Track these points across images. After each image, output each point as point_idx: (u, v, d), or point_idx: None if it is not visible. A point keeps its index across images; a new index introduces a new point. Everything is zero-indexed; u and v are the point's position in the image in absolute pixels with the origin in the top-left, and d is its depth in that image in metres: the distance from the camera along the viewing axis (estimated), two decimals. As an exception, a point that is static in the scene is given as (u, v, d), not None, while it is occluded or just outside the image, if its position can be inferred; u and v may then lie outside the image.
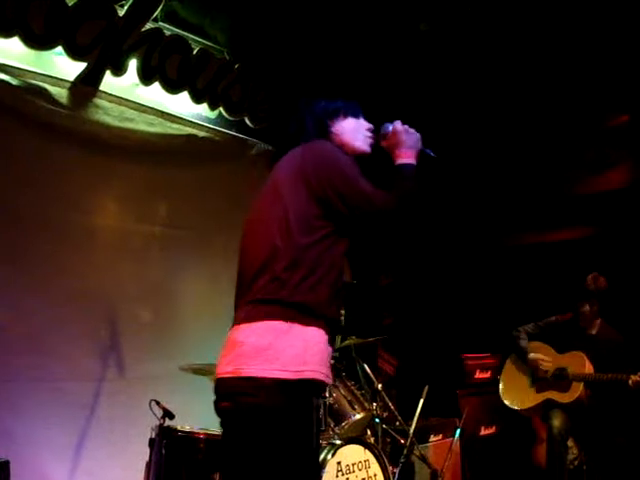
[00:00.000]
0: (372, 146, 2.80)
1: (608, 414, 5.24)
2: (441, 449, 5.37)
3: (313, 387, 2.37)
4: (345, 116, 2.79)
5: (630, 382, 4.99)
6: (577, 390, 5.25)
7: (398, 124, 2.72)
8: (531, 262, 6.73)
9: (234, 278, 5.79)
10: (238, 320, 2.41)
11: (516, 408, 5.58)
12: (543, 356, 5.47)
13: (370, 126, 2.83)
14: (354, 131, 2.78)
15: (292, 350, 2.31)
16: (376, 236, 2.59)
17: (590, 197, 6.49)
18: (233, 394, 2.33)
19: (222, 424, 2.45)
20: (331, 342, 2.48)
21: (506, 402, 5.65)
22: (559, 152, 6.65)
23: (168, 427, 4.12)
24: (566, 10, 5.46)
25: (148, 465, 4.13)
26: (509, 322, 6.27)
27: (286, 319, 2.33)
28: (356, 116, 2.82)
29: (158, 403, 4.18)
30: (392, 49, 5.92)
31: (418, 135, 2.71)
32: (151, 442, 4.15)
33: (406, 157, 2.63)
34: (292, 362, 2.30)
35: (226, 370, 2.36)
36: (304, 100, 2.86)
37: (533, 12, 5.54)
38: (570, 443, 5.31)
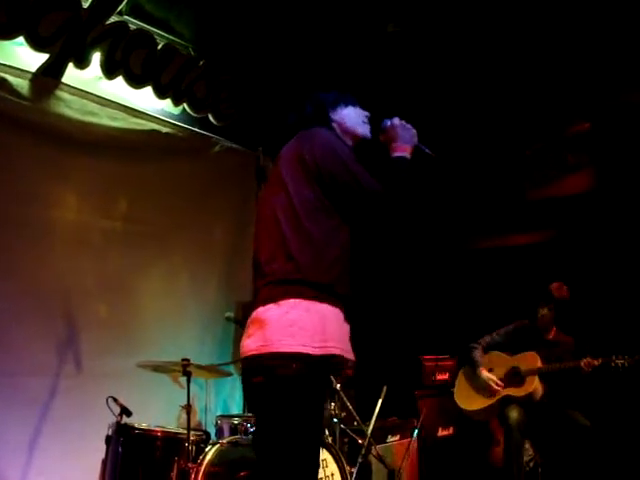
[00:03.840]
0: (372, 132, 2.92)
1: (563, 413, 5.30)
2: (399, 449, 5.39)
3: (333, 362, 2.50)
4: (346, 105, 2.92)
5: (582, 364, 5.14)
6: (532, 383, 5.35)
7: (396, 119, 2.85)
8: (491, 265, 6.78)
9: (194, 275, 5.81)
10: (259, 301, 2.52)
11: (472, 409, 5.61)
12: (495, 379, 5.50)
13: (368, 114, 2.95)
14: (355, 118, 2.91)
15: (313, 327, 2.43)
16: (364, 224, 2.68)
17: (551, 201, 6.56)
18: (264, 368, 2.43)
19: (252, 399, 2.60)
20: (348, 319, 2.61)
21: (461, 406, 5.68)
22: (521, 157, 6.71)
23: (125, 424, 4.11)
24: (530, 19, 5.51)
25: (104, 463, 4.10)
26: (468, 325, 6.33)
27: (304, 297, 2.46)
28: (354, 105, 2.95)
29: (115, 400, 4.16)
30: (359, 49, 5.92)
31: (414, 131, 2.84)
32: (108, 439, 4.12)
33: (401, 151, 2.75)
34: (314, 338, 2.43)
35: (253, 347, 2.46)
36: (303, 92, 3.00)
37: (496, 20, 5.59)
38: (526, 445, 5.37)
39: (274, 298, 2.47)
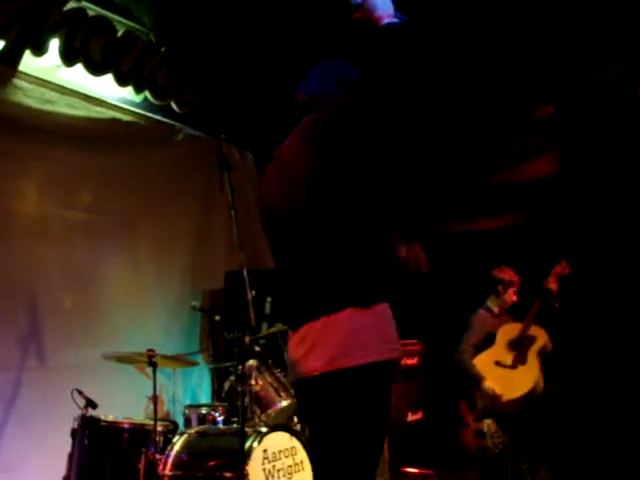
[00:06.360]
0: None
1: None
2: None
3: (396, 364, 2.42)
4: None
5: (551, 286, 5.29)
6: (539, 331, 5.37)
7: None
8: (459, 250, 6.80)
9: (159, 264, 5.76)
10: (310, 316, 2.37)
11: (526, 391, 5.26)
12: (496, 386, 5.24)
13: None
14: None
15: (376, 333, 2.32)
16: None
17: (517, 185, 6.58)
18: (335, 388, 2.31)
19: (318, 417, 2.43)
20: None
21: (509, 397, 5.25)
22: (487, 141, 6.72)
23: (91, 417, 4.08)
24: (493, 3, 5.51)
25: (70, 456, 4.07)
26: (436, 309, 6.34)
27: (359, 305, 2.31)
28: None
29: (81, 392, 4.12)
30: (322, 35, 5.89)
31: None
32: (73, 433, 4.09)
33: (387, 18, 2.43)
34: (380, 343, 2.32)
35: (316, 366, 2.32)
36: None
37: (460, 4, 5.59)
38: (494, 427, 5.39)
39: (326, 310, 2.31)
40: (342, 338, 2.28)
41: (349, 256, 2.35)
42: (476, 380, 5.33)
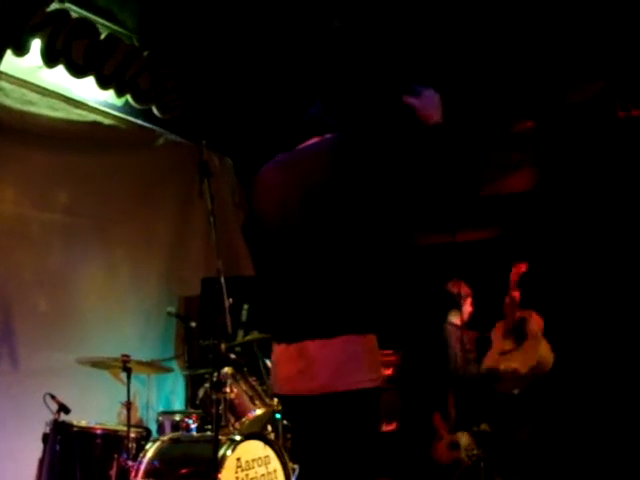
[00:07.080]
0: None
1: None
2: (342, 445, 5.36)
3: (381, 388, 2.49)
4: None
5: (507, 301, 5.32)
6: (530, 314, 5.43)
7: (431, 90, 2.80)
8: (435, 261, 6.81)
9: (135, 269, 5.73)
10: (307, 335, 2.44)
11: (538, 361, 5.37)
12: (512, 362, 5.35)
13: None
14: None
15: (369, 360, 2.42)
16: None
17: (497, 199, 6.61)
18: (327, 410, 2.40)
19: (309, 434, 2.54)
20: None
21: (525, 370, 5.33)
22: (468, 155, 6.75)
23: (63, 422, 4.04)
24: (475, 17, 5.54)
25: (41, 462, 4.02)
26: (412, 320, 6.35)
27: (356, 332, 2.41)
28: None
29: (53, 397, 4.08)
30: (305, 43, 5.89)
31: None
32: (45, 438, 4.04)
33: (436, 118, 2.75)
34: (370, 371, 2.41)
35: (311, 387, 2.42)
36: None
37: (440, 18, 5.61)
38: (468, 439, 5.40)
39: (325, 334, 2.41)
40: (337, 363, 2.37)
41: (353, 284, 2.47)
42: (492, 374, 5.40)
